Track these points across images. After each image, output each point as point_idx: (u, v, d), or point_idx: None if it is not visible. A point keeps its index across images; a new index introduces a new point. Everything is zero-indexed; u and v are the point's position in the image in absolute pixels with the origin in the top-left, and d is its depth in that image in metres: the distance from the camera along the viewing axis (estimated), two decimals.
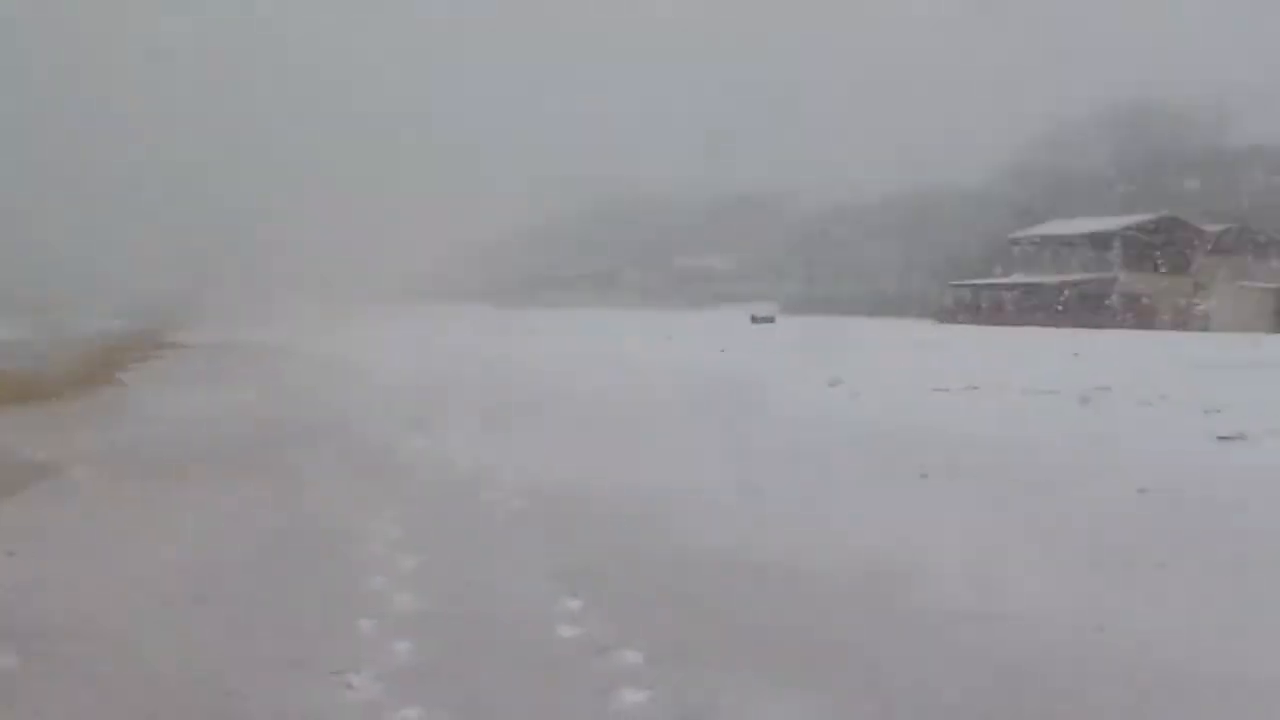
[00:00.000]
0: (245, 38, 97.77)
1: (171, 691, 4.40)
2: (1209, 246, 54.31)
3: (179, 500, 8.40)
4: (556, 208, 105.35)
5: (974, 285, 61.51)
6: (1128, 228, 55.13)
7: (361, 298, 53.24)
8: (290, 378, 20.83)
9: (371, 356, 25.80)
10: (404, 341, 31.61)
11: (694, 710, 4.19)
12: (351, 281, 55.85)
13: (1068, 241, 57.92)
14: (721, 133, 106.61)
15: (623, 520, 7.53)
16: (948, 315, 57.52)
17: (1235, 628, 5.02)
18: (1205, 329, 45.45)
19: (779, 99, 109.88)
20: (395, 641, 4.92)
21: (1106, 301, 51.71)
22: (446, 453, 10.63)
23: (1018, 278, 59.01)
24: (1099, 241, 55.56)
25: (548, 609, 5.38)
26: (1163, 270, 52.71)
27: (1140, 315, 49.42)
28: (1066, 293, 53.23)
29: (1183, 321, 48.20)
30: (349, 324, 39.11)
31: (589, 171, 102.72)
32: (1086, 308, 51.26)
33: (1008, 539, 6.77)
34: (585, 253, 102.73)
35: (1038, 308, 53.10)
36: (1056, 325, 45.28)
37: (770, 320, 53.17)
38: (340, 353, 27.30)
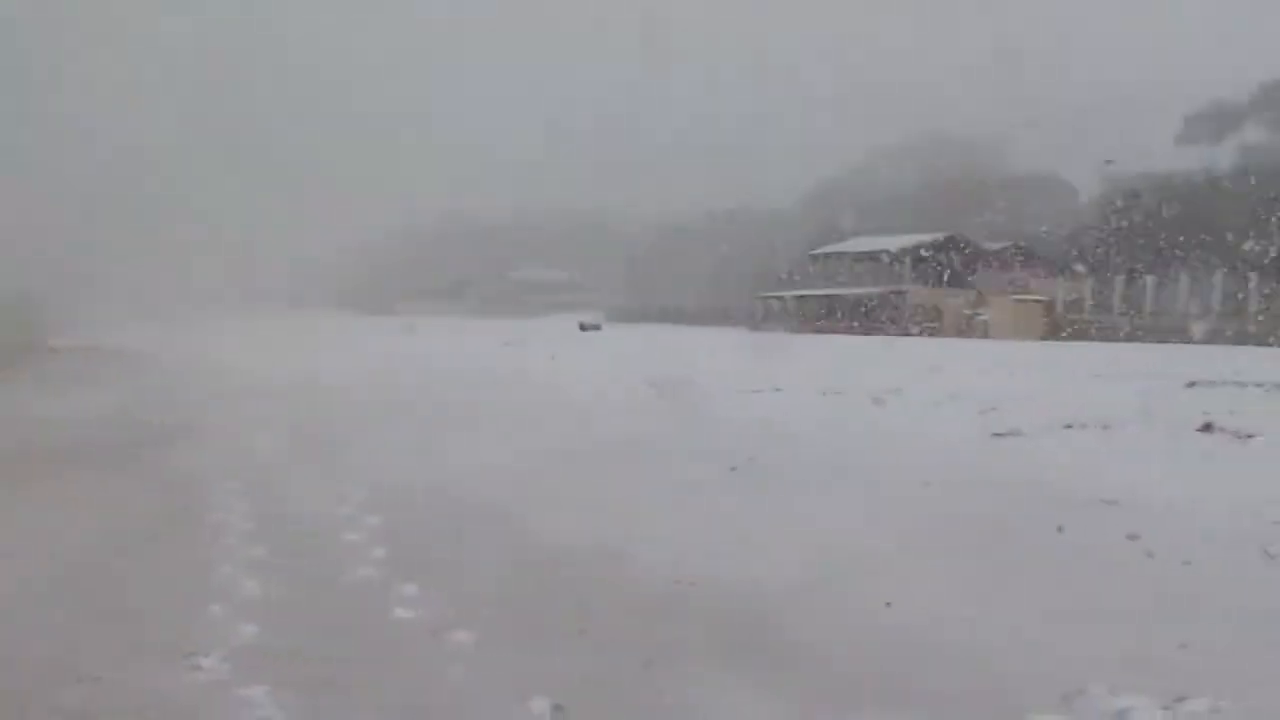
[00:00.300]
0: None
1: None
2: (989, 262, 58.78)
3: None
4: (412, 223, 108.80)
5: (782, 296, 64.10)
6: (918, 245, 59.10)
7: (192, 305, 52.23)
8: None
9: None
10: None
11: None
12: (179, 291, 54.60)
13: (865, 257, 61.36)
14: (561, 150, 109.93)
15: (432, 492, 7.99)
16: (759, 323, 59.78)
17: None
18: (986, 336, 48.99)
19: (612, 118, 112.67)
20: None
21: (899, 311, 54.97)
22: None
23: (821, 289, 61.80)
24: (892, 257, 59.12)
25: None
26: (948, 283, 56.55)
27: (929, 324, 52.65)
28: (864, 303, 56.38)
29: (966, 330, 51.62)
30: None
31: (438, 187, 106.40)
32: (882, 317, 54.60)
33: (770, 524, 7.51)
34: (434, 266, 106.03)
35: (839, 317, 56.17)
36: (856, 333, 48.48)
37: (597, 328, 54.95)
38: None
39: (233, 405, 16.13)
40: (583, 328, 54.11)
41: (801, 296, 62.67)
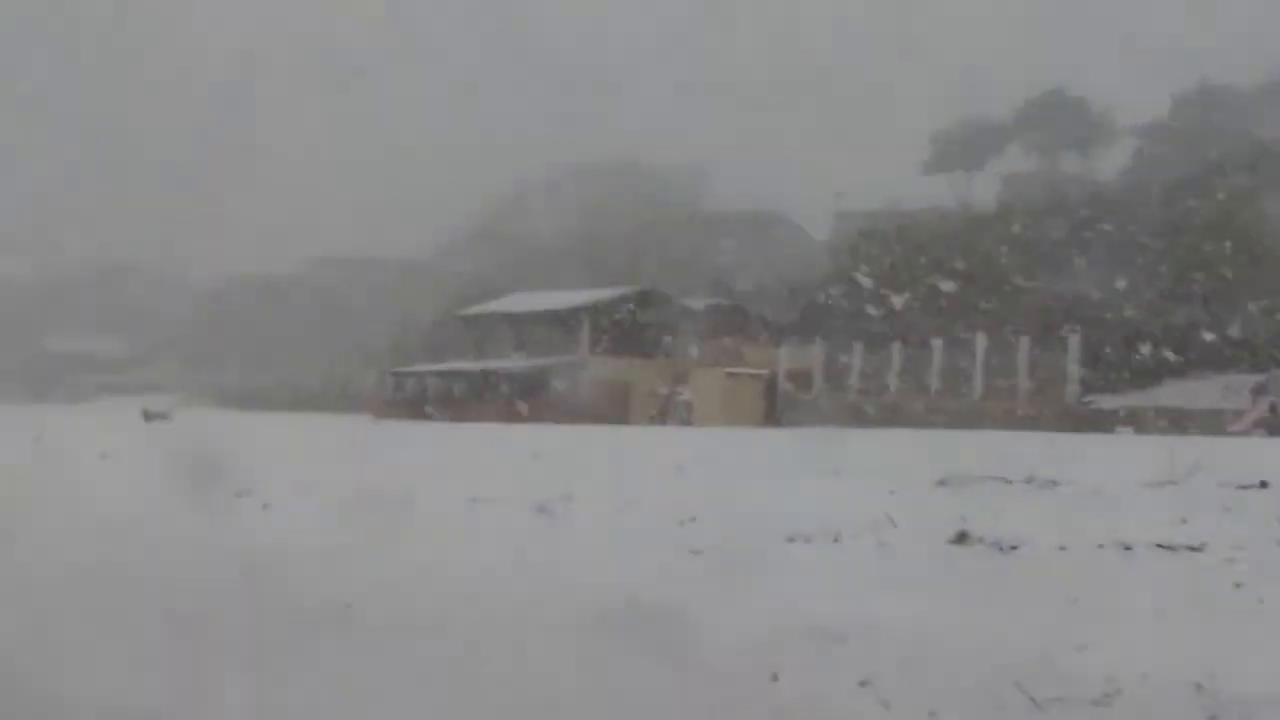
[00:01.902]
0: None
1: None
2: (693, 325, 60.84)
3: None
4: None
5: (419, 373, 63.98)
6: (597, 303, 60.24)
7: None
8: None
9: None
10: None
11: None
12: None
13: (529, 319, 61.95)
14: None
15: None
16: (388, 409, 59.38)
17: None
18: (688, 422, 50.45)
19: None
20: None
21: (573, 389, 55.90)
22: None
23: (469, 363, 62.13)
24: (565, 319, 59.95)
25: None
26: (639, 352, 58.05)
27: (614, 406, 53.89)
28: (528, 381, 56.88)
29: (663, 413, 53.12)
30: None
31: None
32: (549, 398, 55.23)
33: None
34: None
35: (493, 398, 56.37)
36: (515, 419, 48.62)
37: (166, 417, 55.72)
38: None
39: None
40: (147, 417, 54.89)
41: (445, 373, 62.79)
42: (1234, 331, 51.14)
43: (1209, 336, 50.99)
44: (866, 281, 58.04)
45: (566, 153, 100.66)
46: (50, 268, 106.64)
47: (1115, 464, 20.61)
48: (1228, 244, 54.54)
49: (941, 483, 17.30)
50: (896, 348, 54.77)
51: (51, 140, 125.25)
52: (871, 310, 56.53)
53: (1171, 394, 49.42)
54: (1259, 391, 46.98)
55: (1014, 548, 11.47)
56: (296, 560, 12.26)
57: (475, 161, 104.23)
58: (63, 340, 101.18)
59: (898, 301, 56.14)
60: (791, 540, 12.17)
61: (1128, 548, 11.42)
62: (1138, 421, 45.42)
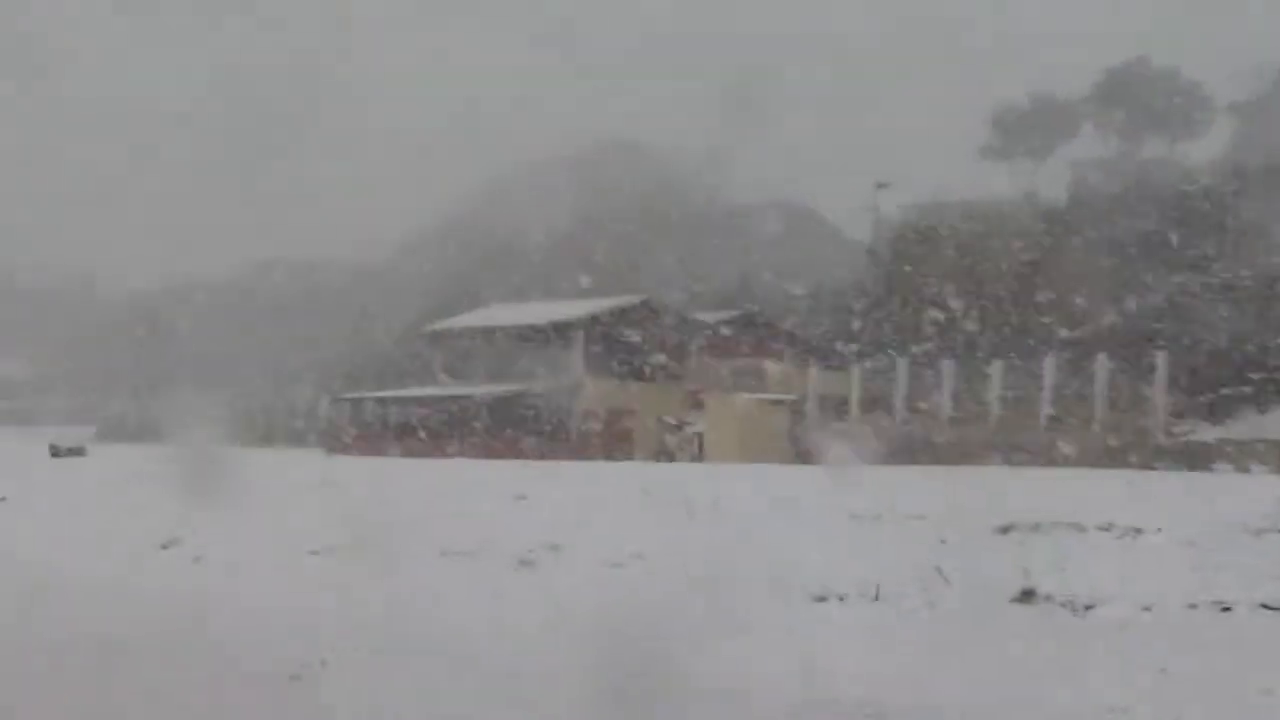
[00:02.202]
0: None
1: None
2: (706, 342, 60.95)
3: None
4: None
5: (378, 399, 63.81)
6: (592, 317, 60.15)
7: None
8: None
9: None
10: None
11: None
12: None
13: (511, 334, 61.76)
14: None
15: None
16: (339, 442, 59.28)
17: None
18: (699, 458, 50.30)
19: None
20: None
21: (565, 419, 55.78)
22: None
23: (437, 387, 62.00)
24: (555, 334, 59.82)
25: None
26: (643, 374, 58.07)
27: (613, 438, 53.80)
28: (509, 409, 56.75)
29: (670, 447, 52.99)
30: None
31: None
32: (536, 428, 55.14)
33: None
34: None
35: (467, 428, 56.30)
36: (494, 454, 49.03)
37: (80, 453, 56.51)
38: None
39: None
40: (55, 452, 55.42)
41: (410, 399, 62.59)
42: None
43: None
44: (912, 288, 57.80)
45: (554, 132, 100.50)
46: None
47: (1212, 508, 20.51)
48: None
49: (1003, 530, 17.23)
50: (949, 367, 54.55)
51: None
52: (919, 323, 56.32)
53: None
54: None
55: (1089, 608, 11.43)
56: (231, 620, 12.29)
57: (444, 143, 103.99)
58: None
59: (950, 313, 55.94)
60: (821, 599, 12.15)
61: (1226, 608, 11.37)
62: (1240, 457, 45.15)
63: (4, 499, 26.85)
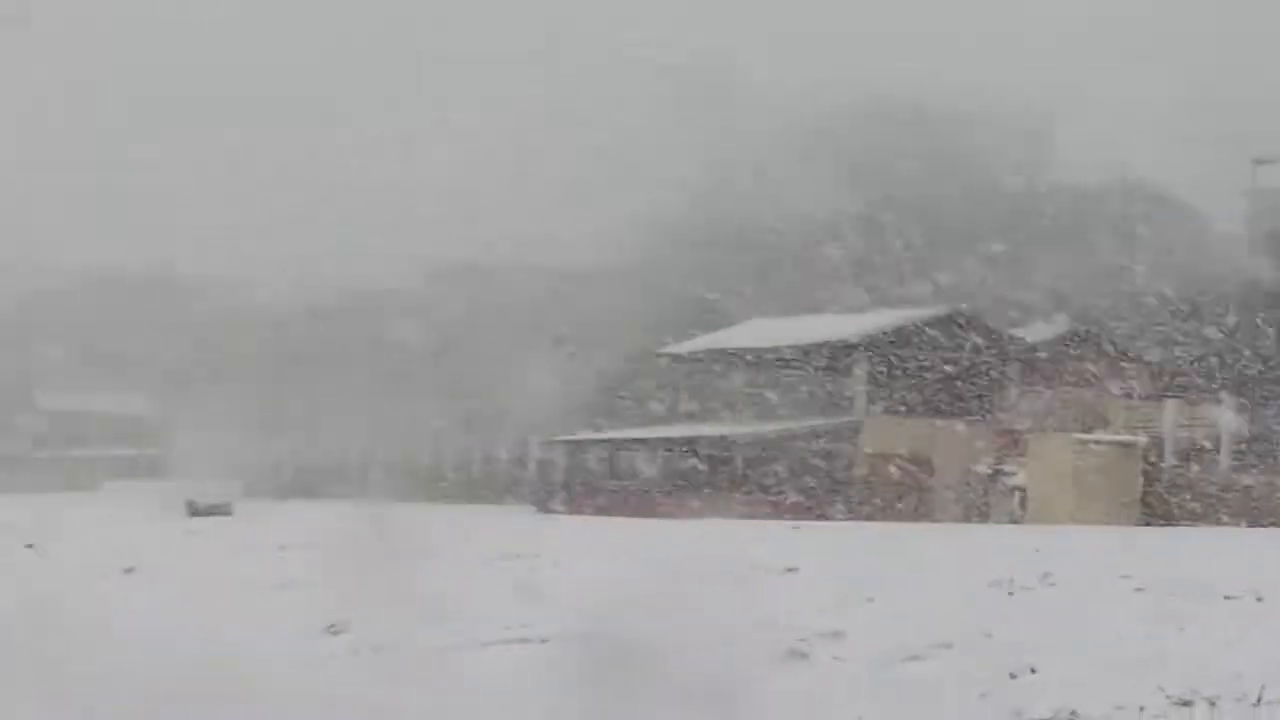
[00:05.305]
0: None
1: None
2: (1028, 367, 60.49)
3: None
4: None
5: (601, 441, 64.15)
6: (881, 332, 60.10)
7: None
8: None
9: None
10: None
11: None
12: None
13: (771, 360, 61.79)
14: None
15: None
16: (550, 498, 60.00)
17: None
18: (1018, 519, 49.93)
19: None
20: None
21: (843, 467, 55.75)
22: None
23: (675, 428, 62.19)
24: (829, 359, 59.76)
25: None
26: (945, 408, 57.86)
27: (905, 492, 53.65)
28: (768, 453, 56.80)
29: (980, 504, 52.69)
30: None
31: None
32: (806, 480, 55.13)
33: None
34: None
35: (713, 481, 56.43)
36: (748, 513, 49.18)
37: (224, 511, 56.96)
38: None
39: None
40: (194, 510, 55.89)
41: (635, 441, 62.89)
42: None
43: None
44: None
45: (806, 90, 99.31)
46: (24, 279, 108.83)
47: None
48: None
49: None
50: None
51: None
52: None
53: None
54: None
55: None
56: None
57: (660, 109, 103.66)
58: (60, 396, 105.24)
59: None
60: (1186, 703, 12.26)
61: None
62: None
63: (132, 570, 27.40)
